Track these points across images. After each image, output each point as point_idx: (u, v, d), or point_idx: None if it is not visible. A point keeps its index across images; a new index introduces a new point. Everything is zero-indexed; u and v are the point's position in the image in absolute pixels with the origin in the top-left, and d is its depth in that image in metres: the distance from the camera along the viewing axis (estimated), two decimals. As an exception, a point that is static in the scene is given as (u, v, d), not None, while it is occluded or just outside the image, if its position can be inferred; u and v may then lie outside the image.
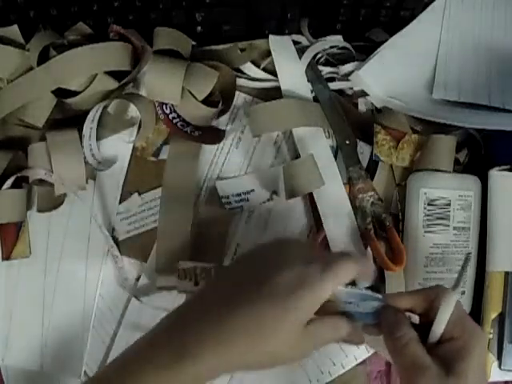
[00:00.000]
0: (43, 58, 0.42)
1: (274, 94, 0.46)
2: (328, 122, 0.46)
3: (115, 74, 0.44)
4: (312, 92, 0.47)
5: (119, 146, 0.46)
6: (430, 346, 0.35)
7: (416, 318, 0.37)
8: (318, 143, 0.46)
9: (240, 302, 0.33)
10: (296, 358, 0.35)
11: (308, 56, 0.47)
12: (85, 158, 0.44)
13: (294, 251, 0.36)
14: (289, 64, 0.47)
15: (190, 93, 0.43)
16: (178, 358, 0.31)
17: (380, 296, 0.36)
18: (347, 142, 0.46)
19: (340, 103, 0.47)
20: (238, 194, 0.46)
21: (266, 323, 0.32)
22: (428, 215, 0.45)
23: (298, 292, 0.32)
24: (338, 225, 0.45)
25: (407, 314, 0.36)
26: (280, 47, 0.47)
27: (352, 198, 0.46)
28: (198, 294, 0.37)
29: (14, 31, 0.43)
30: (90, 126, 0.44)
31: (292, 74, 0.47)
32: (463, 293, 0.45)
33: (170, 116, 0.45)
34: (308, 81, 0.47)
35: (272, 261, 0.35)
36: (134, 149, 0.46)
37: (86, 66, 0.42)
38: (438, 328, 0.35)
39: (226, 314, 0.32)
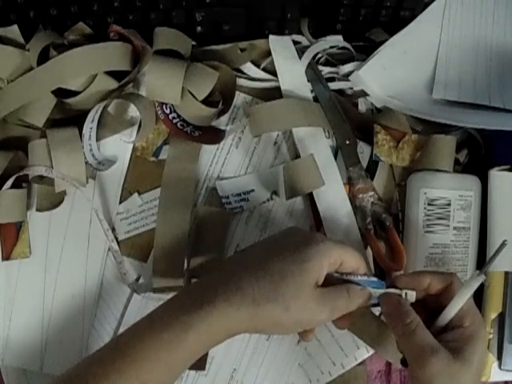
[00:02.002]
0: (43, 58, 0.42)
1: (274, 93, 0.46)
2: (328, 122, 0.46)
3: (115, 74, 0.44)
4: (312, 92, 0.47)
5: (119, 146, 0.46)
6: (436, 330, 0.36)
7: (412, 295, 0.38)
8: (318, 143, 0.46)
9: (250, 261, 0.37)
10: (306, 322, 0.36)
11: (308, 56, 0.47)
12: (85, 157, 0.44)
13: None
14: (289, 64, 0.47)
15: (190, 93, 0.43)
16: (196, 303, 0.34)
17: (384, 283, 0.39)
18: (347, 142, 0.46)
19: (340, 103, 0.47)
20: (238, 194, 0.46)
21: (273, 273, 0.35)
22: (428, 215, 0.45)
23: (303, 248, 0.36)
24: (338, 225, 0.45)
25: (404, 290, 0.38)
26: (280, 47, 0.47)
27: (352, 198, 0.46)
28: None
29: (13, 31, 0.43)
30: (89, 126, 0.44)
31: (292, 74, 0.47)
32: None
33: (170, 116, 0.45)
34: (308, 81, 0.47)
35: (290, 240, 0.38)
36: (134, 149, 0.46)
37: (86, 65, 0.42)
38: (451, 311, 0.36)
39: (237, 270, 0.36)
